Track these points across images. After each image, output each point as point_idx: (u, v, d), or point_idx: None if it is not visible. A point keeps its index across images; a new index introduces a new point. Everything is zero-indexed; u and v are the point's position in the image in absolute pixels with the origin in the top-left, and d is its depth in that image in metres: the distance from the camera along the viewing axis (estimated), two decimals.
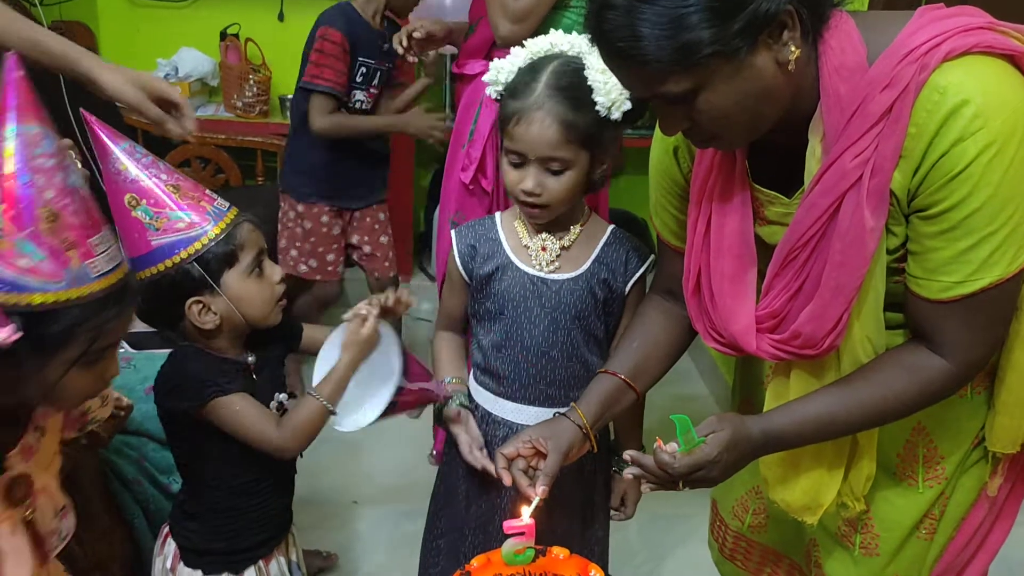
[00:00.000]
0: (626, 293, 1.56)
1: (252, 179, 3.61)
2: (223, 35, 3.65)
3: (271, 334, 1.53)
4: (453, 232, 1.60)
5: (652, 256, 1.57)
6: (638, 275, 1.55)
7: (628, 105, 1.40)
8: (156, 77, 1.59)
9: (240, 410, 1.41)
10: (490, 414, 1.61)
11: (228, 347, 1.48)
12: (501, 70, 1.48)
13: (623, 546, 2.45)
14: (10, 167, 0.97)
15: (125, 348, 1.92)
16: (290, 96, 2.92)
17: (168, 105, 1.57)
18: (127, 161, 1.33)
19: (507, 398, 1.59)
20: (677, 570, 2.42)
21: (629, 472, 1.23)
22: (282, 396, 1.53)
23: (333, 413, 1.43)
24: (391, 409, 1.46)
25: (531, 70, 1.45)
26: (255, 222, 1.46)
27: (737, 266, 1.24)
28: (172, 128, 1.58)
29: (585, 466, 1.66)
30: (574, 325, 1.54)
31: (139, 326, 1.32)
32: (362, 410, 1.46)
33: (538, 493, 1.27)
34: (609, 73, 1.17)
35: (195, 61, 3.64)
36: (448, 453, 1.70)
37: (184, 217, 1.35)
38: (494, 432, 1.59)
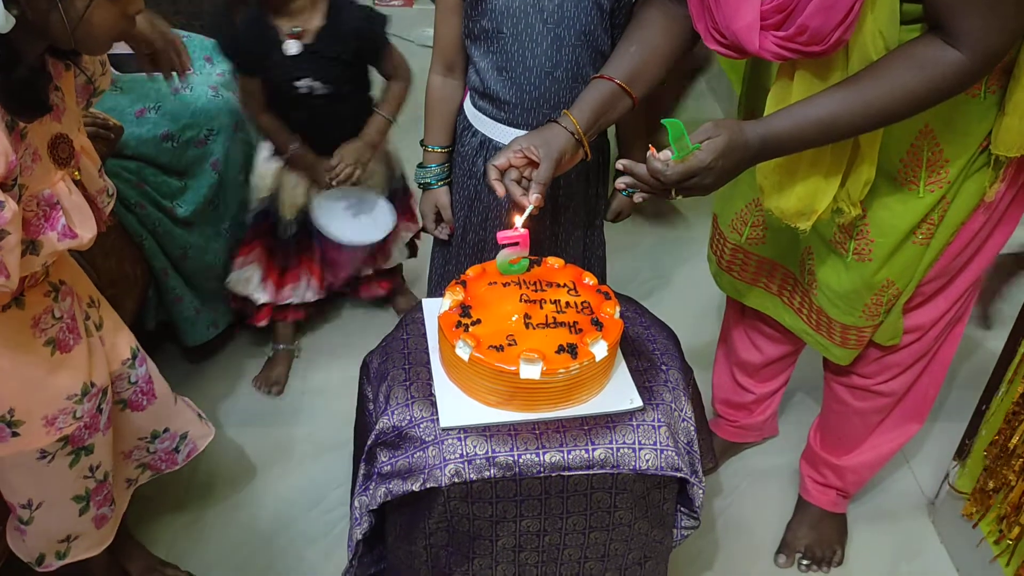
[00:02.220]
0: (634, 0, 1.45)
1: None
2: None
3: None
4: None
5: None
6: None
7: None
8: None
9: None
10: (490, 140, 1.56)
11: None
12: None
13: (630, 265, 2.51)
14: None
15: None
16: None
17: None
18: None
19: (508, 124, 1.53)
20: (679, 286, 2.50)
21: (621, 181, 1.21)
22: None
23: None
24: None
25: None
26: None
27: None
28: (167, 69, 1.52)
29: (590, 186, 1.65)
30: (579, 42, 1.45)
31: (120, 47, 1.24)
32: (352, 229, 1.92)
33: (531, 201, 1.25)
34: None
35: None
36: (456, 173, 1.66)
37: None
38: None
